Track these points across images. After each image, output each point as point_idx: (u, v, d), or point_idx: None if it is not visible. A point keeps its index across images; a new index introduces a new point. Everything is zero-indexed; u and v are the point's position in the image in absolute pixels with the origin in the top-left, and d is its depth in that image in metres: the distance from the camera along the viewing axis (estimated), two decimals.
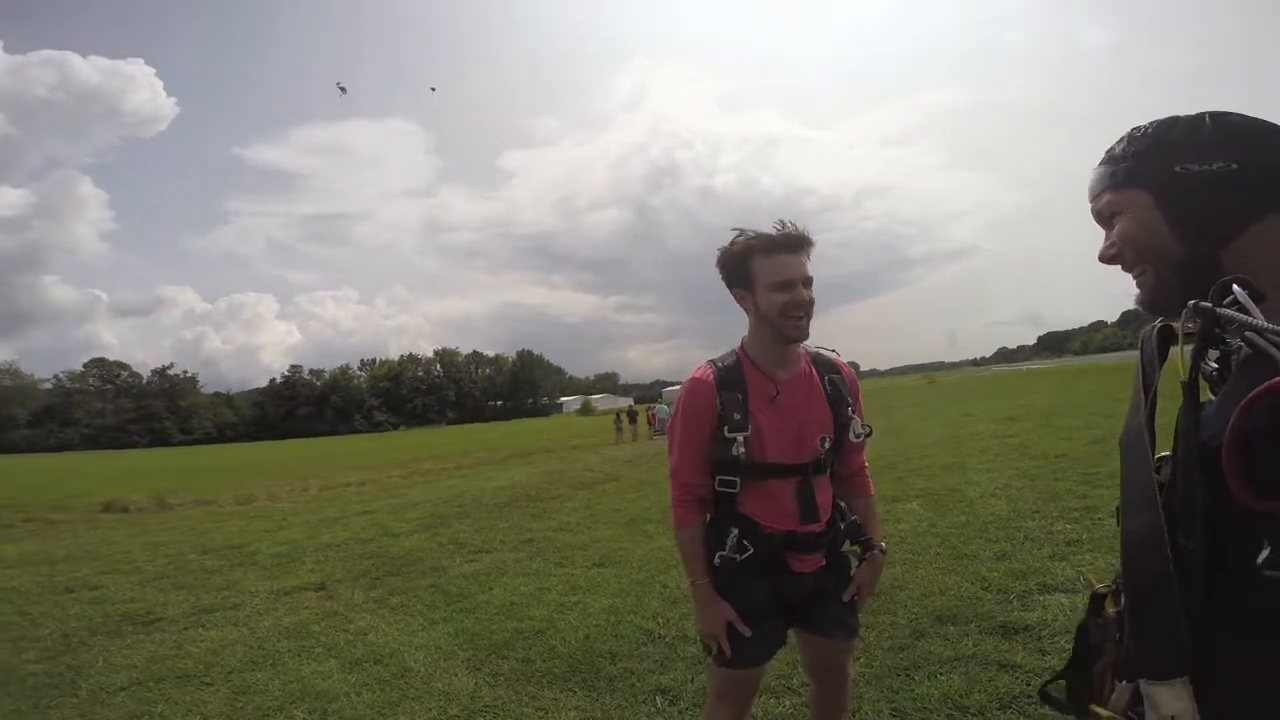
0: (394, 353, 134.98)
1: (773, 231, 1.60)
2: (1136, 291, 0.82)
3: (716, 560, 1.64)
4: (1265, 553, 0.57)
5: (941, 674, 2.57)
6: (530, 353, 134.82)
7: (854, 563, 1.79)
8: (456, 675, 3.10)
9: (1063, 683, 0.97)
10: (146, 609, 4.64)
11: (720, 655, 1.66)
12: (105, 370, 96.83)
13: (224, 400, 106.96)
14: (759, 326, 1.65)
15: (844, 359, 1.79)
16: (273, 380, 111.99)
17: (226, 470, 22.37)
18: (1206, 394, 0.84)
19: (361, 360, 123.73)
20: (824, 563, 1.71)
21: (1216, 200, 0.72)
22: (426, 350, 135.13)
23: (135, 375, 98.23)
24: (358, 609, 4.43)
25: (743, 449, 1.59)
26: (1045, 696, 0.99)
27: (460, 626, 3.83)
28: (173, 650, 3.68)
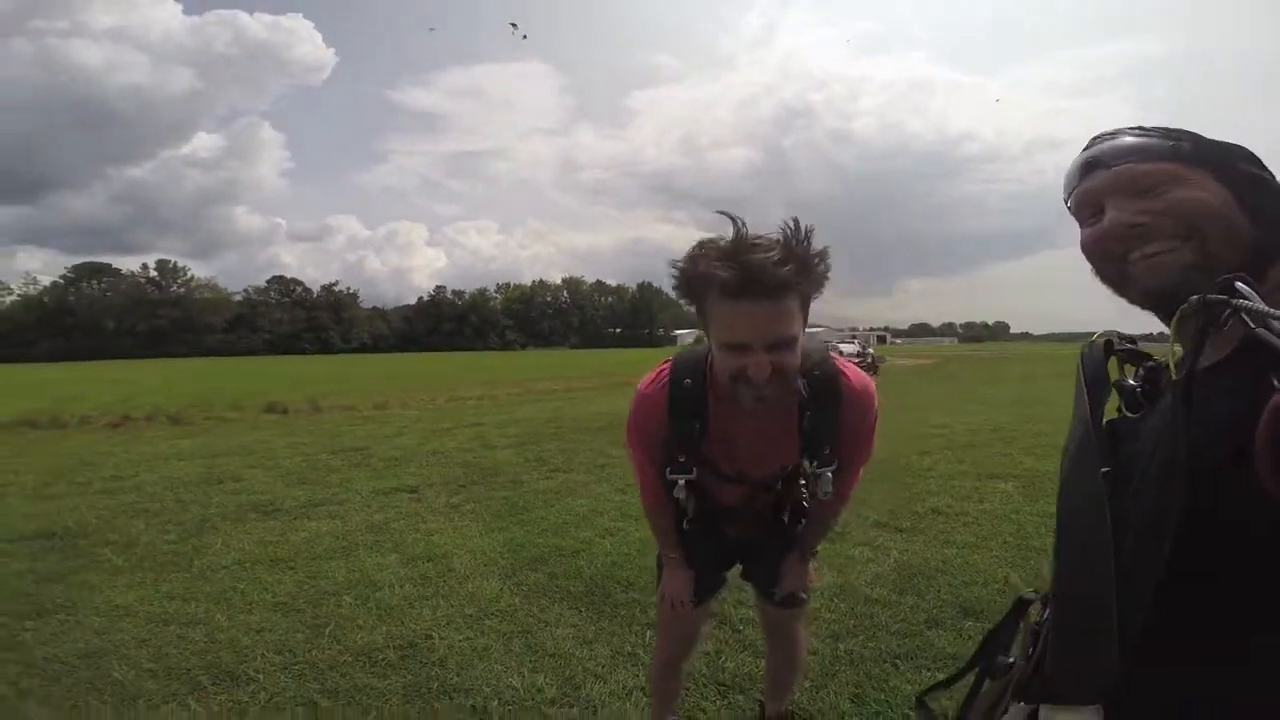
0: (527, 279, 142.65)
1: (728, 271, 1.06)
2: (1140, 274, 0.75)
3: (685, 526, 1.62)
4: None
5: (927, 669, 2.46)
6: (650, 285, 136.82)
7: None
8: (488, 580, 3.44)
9: (944, 692, 0.95)
10: (271, 500, 5.42)
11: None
12: (283, 286, 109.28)
13: (379, 315, 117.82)
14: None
15: (854, 377, 1.38)
16: (421, 299, 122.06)
17: (373, 379, 24.89)
18: (1112, 410, 0.85)
19: (498, 284, 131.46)
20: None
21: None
22: (556, 278, 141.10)
23: (307, 290, 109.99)
24: (436, 512, 4.93)
25: (683, 493, 1.44)
26: (921, 706, 0.96)
27: (510, 537, 4.19)
28: (276, 538, 4.32)
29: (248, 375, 29.04)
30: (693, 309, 1.19)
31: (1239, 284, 0.61)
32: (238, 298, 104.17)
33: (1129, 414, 0.82)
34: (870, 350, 30.80)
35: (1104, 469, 0.77)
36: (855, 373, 1.39)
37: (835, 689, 2.35)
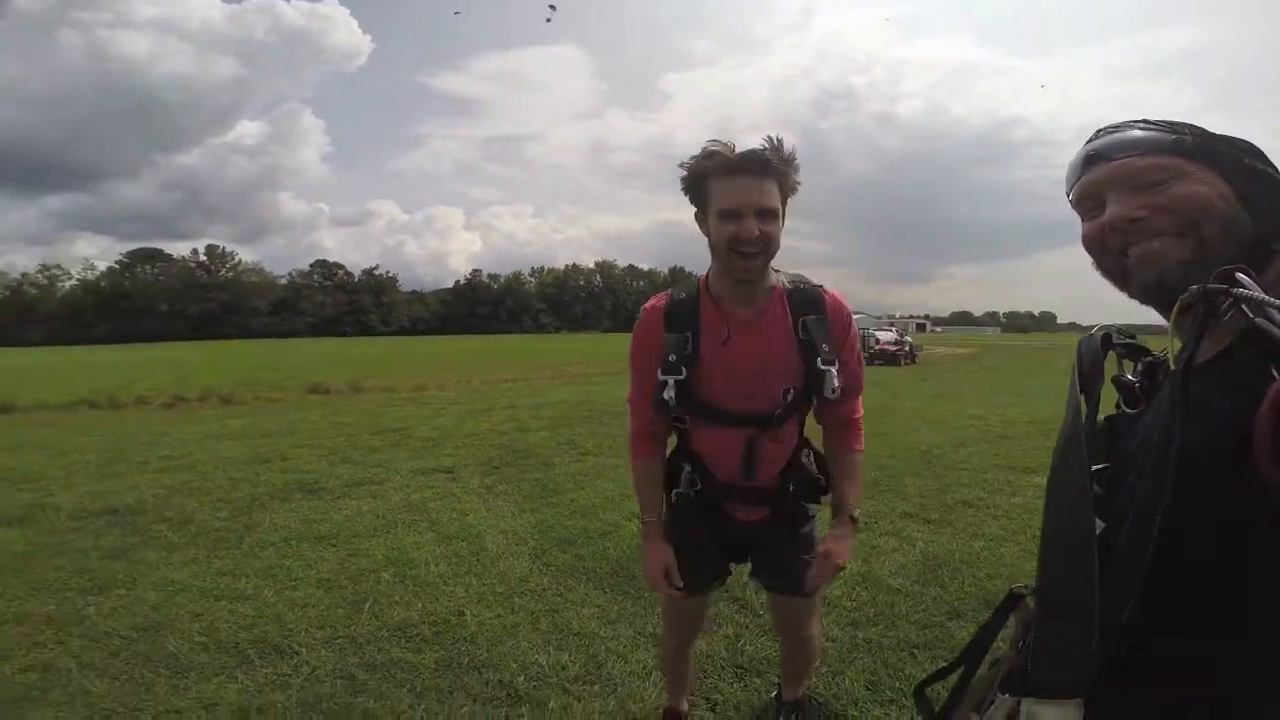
0: (560, 263, 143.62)
1: (728, 154, 1.36)
2: (1138, 268, 0.76)
3: (674, 497, 1.65)
4: None
5: (944, 660, 2.46)
6: (682, 269, 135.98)
7: (813, 517, 1.71)
8: (518, 559, 3.56)
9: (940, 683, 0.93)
10: (316, 479, 5.63)
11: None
12: (326, 270, 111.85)
13: (417, 298, 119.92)
14: (714, 258, 1.47)
15: (832, 292, 1.53)
16: (457, 282, 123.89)
17: (412, 360, 25.45)
18: (1110, 406, 0.86)
19: (532, 268, 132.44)
20: (767, 514, 1.65)
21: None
22: (589, 262, 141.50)
23: (349, 274, 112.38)
24: (471, 493, 5.09)
25: (672, 393, 1.47)
26: (919, 697, 0.95)
27: (541, 518, 4.31)
28: (320, 516, 4.52)
29: (292, 357, 29.95)
30: (696, 210, 1.45)
31: (1239, 274, 0.61)
32: (283, 281, 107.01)
33: (1128, 410, 0.82)
34: (908, 339, 30.05)
35: (1103, 465, 0.78)
36: (832, 290, 1.54)
37: (851, 676, 2.39)
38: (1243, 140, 0.75)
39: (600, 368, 20.23)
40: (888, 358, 24.65)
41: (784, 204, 1.40)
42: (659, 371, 1.49)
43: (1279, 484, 0.52)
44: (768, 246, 1.38)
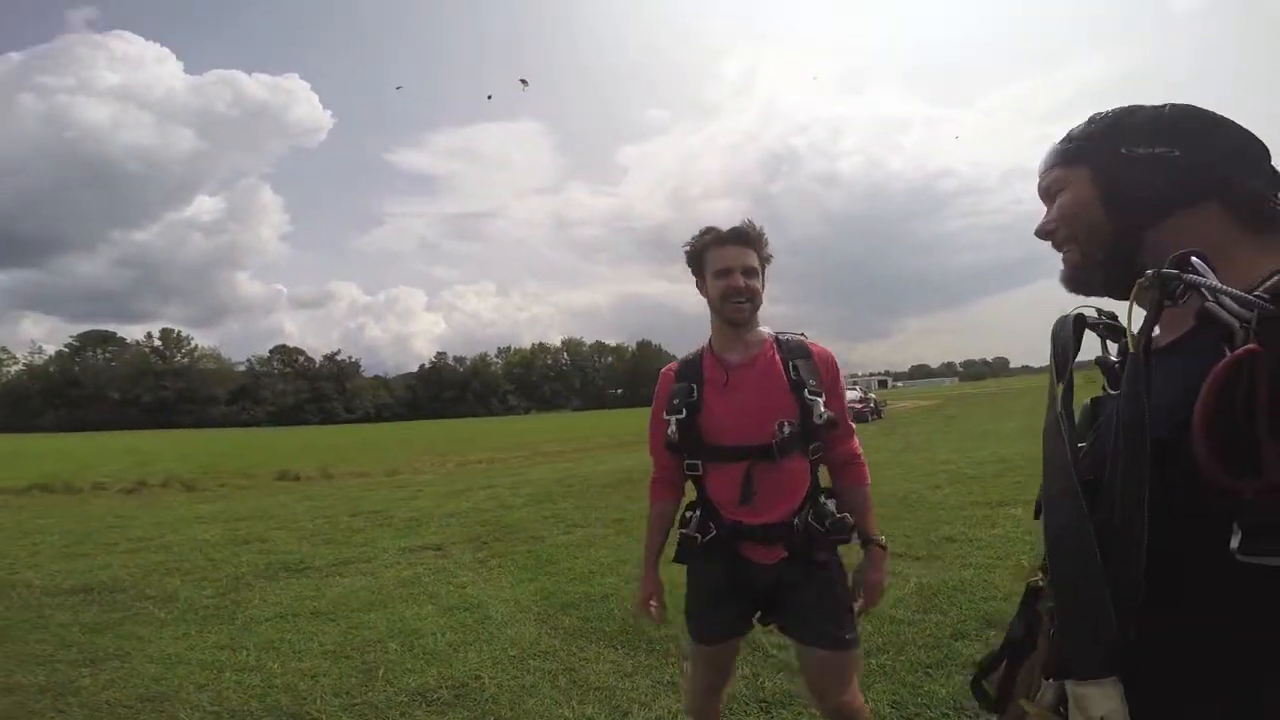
0: (526, 341, 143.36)
1: (722, 231, 1.74)
2: (1061, 269, 0.84)
3: (680, 538, 1.75)
4: (1236, 538, 0.54)
5: (958, 674, 2.62)
6: (649, 343, 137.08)
7: (838, 562, 1.73)
8: (525, 625, 3.56)
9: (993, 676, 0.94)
10: (300, 559, 5.51)
11: (690, 629, 1.79)
12: (286, 356, 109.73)
13: (382, 383, 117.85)
14: (712, 314, 1.78)
15: (817, 344, 1.81)
16: (422, 366, 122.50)
17: (381, 446, 24.93)
18: (1097, 390, 0.87)
19: (498, 348, 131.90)
20: (785, 555, 1.67)
21: (1150, 182, 0.74)
22: (555, 339, 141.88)
23: (309, 360, 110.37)
24: (464, 567, 5.04)
25: (675, 431, 1.70)
26: (977, 689, 0.96)
27: (540, 586, 4.31)
28: (312, 593, 4.43)
29: (255, 445, 29.07)
30: (696, 279, 1.79)
31: (1194, 259, 0.62)
32: (241, 368, 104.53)
33: (1111, 391, 0.82)
34: (872, 396, 29.92)
35: (1081, 444, 0.79)
36: (815, 343, 1.82)
37: (874, 697, 2.49)
38: (1136, 124, 0.77)
39: (574, 445, 20.17)
40: (855, 416, 24.79)
41: (763, 268, 1.75)
42: (665, 413, 1.76)
43: (1222, 485, 0.53)
44: (754, 296, 1.72)
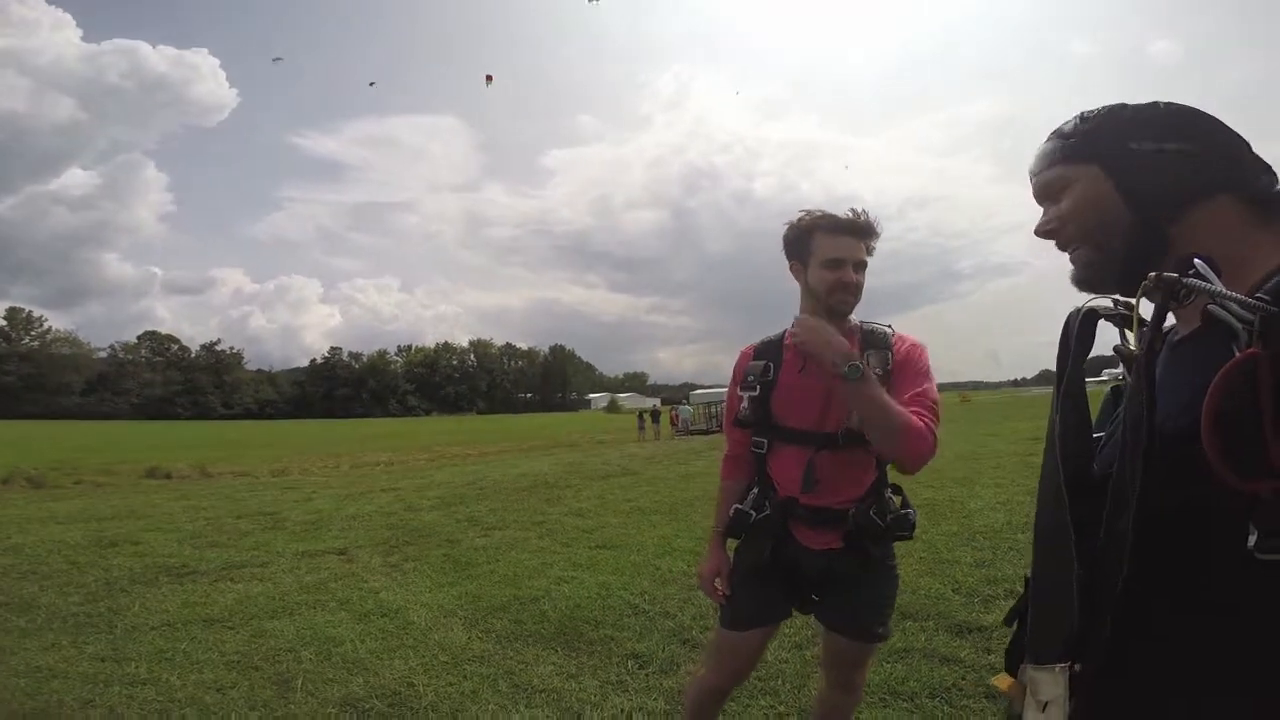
0: (431, 341, 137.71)
1: (841, 214, 1.66)
2: (1071, 269, 0.83)
3: (732, 512, 1.73)
4: (1254, 537, 0.54)
5: (886, 663, 2.71)
6: (563, 348, 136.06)
7: (893, 559, 1.75)
8: (452, 630, 3.37)
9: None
10: (182, 563, 5.00)
11: (721, 613, 1.77)
12: (157, 343, 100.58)
13: (266, 378, 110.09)
14: (806, 300, 1.71)
15: (907, 336, 1.72)
16: (313, 360, 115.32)
17: (265, 444, 23.23)
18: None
19: (399, 346, 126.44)
20: (839, 545, 1.65)
21: (1172, 177, 0.74)
22: (462, 340, 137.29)
23: (184, 349, 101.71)
24: (373, 571, 4.73)
25: (747, 408, 1.71)
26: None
27: (463, 590, 4.11)
28: (202, 599, 4.02)
29: (117, 439, 26.31)
30: (792, 261, 1.71)
31: (1197, 261, 0.63)
32: (102, 354, 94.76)
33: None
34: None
35: (1099, 434, 0.82)
36: (903, 333, 1.74)
37: (812, 685, 2.45)
38: (1135, 119, 0.77)
39: (479, 448, 19.61)
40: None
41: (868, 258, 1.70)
42: (739, 389, 1.75)
43: (1234, 486, 0.54)
44: (859, 291, 1.67)
